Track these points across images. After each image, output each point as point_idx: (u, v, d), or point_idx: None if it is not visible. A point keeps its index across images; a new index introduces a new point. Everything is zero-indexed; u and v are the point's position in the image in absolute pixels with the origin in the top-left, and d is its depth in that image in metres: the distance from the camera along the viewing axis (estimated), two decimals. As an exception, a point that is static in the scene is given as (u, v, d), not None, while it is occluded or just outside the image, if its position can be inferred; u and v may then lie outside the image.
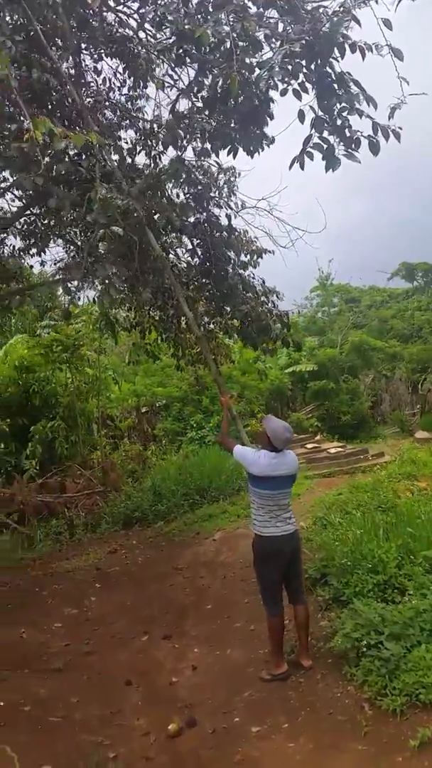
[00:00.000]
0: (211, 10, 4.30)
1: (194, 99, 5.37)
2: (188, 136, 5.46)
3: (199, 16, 4.50)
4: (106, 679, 5.29)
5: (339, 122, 4.26)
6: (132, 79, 7.15)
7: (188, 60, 4.88)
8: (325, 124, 4.26)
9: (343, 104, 4.19)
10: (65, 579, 8.43)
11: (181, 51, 4.71)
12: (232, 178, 7.06)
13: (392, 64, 3.71)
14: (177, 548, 9.38)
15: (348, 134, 4.27)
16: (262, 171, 6.90)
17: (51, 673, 5.44)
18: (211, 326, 10.31)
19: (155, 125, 7.13)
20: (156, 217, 7.01)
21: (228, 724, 4.25)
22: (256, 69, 4.18)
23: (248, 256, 7.47)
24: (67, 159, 4.88)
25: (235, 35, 3.97)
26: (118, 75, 7.44)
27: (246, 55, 4.14)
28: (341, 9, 3.78)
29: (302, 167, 4.46)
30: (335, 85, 4.14)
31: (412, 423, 21.00)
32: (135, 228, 5.64)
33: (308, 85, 4.19)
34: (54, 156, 4.46)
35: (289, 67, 3.91)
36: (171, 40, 4.76)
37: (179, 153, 5.50)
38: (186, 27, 4.38)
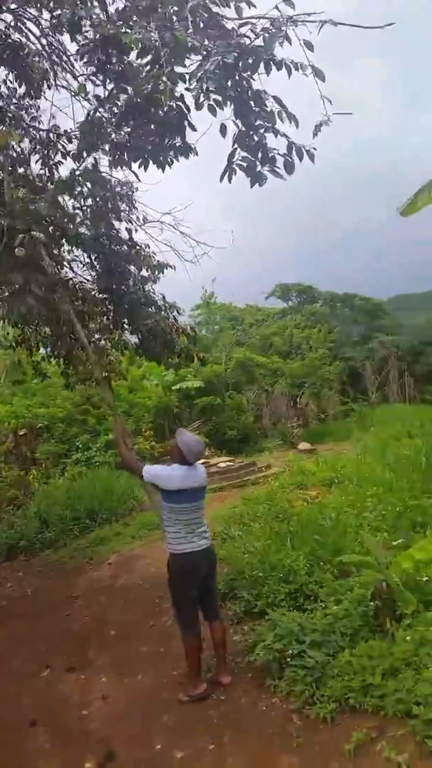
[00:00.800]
0: (134, 18, 4.15)
1: (110, 107, 5.15)
2: (101, 145, 5.21)
3: (121, 23, 4.34)
4: (8, 721, 4.79)
5: (256, 139, 4.28)
6: (25, 87, 6.79)
7: (108, 66, 4.66)
8: (246, 140, 4.25)
9: (259, 122, 4.21)
10: None
11: (102, 56, 4.51)
12: (130, 192, 6.88)
13: (315, 85, 3.78)
14: (70, 576, 8.85)
15: (262, 153, 4.29)
16: (169, 184, 6.81)
17: None
18: (102, 342, 10.04)
19: (52, 134, 6.82)
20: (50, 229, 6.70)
21: (149, 753, 3.99)
22: (185, 78, 4.08)
23: (149, 271, 7.32)
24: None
25: (161, 43, 3.85)
26: (8, 83, 7.04)
27: (176, 64, 4.03)
28: (271, 27, 3.79)
29: (230, 180, 4.44)
30: (252, 103, 4.15)
31: (294, 435, 21.79)
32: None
33: (222, 100, 4.15)
34: None
35: (211, 81, 3.85)
36: (90, 45, 4.53)
37: (93, 160, 5.25)
38: (110, 32, 4.21)
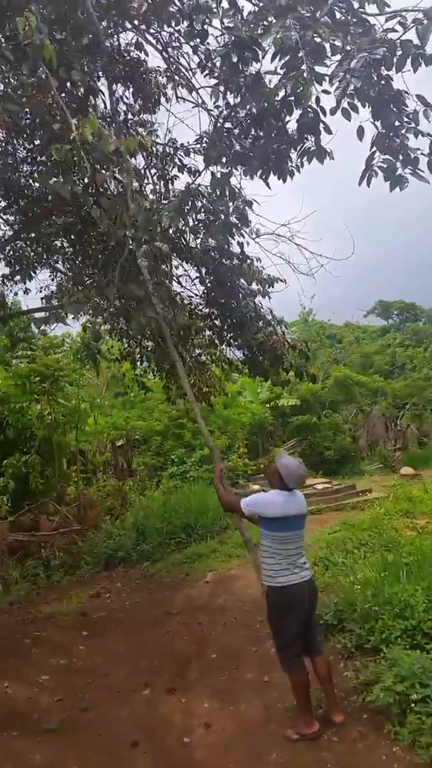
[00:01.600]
0: (270, 19, 4.05)
1: (235, 117, 5.09)
2: (227, 156, 5.15)
3: (253, 25, 4.26)
4: (109, 740, 4.70)
5: (397, 141, 4.02)
6: (141, 102, 6.92)
7: (239, 73, 4.60)
8: (386, 142, 4.01)
9: (399, 123, 3.95)
10: (48, 625, 7.73)
11: (236, 60, 4.44)
12: (244, 205, 6.79)
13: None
14: (167, 591, 8.79)
15: (404, 154, 4.02)
16: (284, 196, 6.67)
17: (44, 734, 4.83)
18: (203, 358, 10.02)
19: (169, 148, 6.90)
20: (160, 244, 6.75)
21: (259, 794, 3.74)
22: (324, 79, 3.91)
23: (259, 285, 7.18)
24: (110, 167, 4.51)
25: (301, 43, 3.70)
26: (125, 98, 7.21)
27: (316, 64, 3.87)
28: (424, 18, 3.55)
29: (368, 184, 4.21)
30: (392, 104, 3.91)
31: (395, 459, 20.85)
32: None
33: (358, 104, 3.94)
34: (96, 162, 4.10)
35: (355, 79, 3.66)
36: (222, 50, 4.49)
37: (222, 170, 5.19)
38: (246, 34, 4.13)
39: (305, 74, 3.66)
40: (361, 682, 4.59)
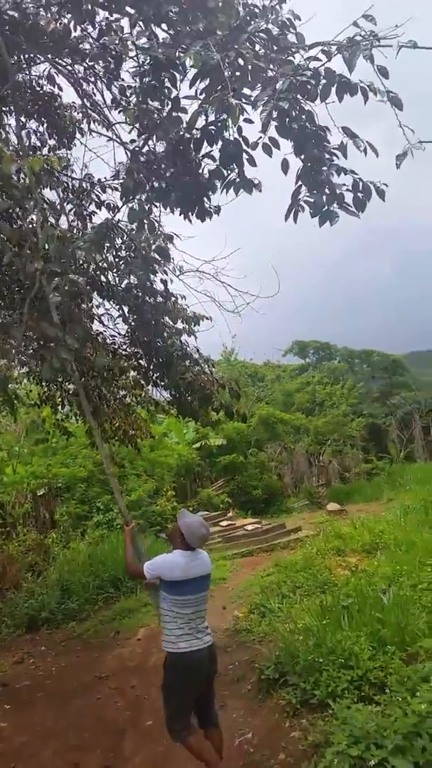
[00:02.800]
0: (188, 41, 3.95)
1: (152, 151, 4.96)
2: (143, 192, 4.97)
3: (171, 49, 4.15)
4: None
5: (322, 176, 4.00)
6: (56, 138, 6.73)
7: (158, 95, 4.46)
8: (311, 177, 3.97)
9: (322, 157, 3.93)
10: (-35, 701, 6.99)
11: (152, 82, 4.32)
12: (164, 242, 6.65)
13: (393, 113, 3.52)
14: (96, 652, 8.21)
15: (329, 190, 4.00)
16: (204, 231, 6.59)
17: None
18: (128, 400, 9.71)
19: (86, 184, 6.69)
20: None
21: None
22: (246, 111, 3.83)
23: (184, 323, 7.01)
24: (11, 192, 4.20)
25: (225, 64, 3.63)
26: (38, 133, 7.00)
27: (244, 85, 3.80)
28: (348, 46, 3.55)
29: (295, 220, 4.13)
30: (313, 139, 3.89)
31: (320, 495, 21.06)
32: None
33: (280, 139, 3.90)
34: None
35: (282, 102, 3.59)
36: (139, 71, 4.34)
37: (139, 201, 4.97)
38: (162, 55, 4.02)
39: (230, 97, 3.59)
40: (309, 744, 4.31)
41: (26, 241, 4.95)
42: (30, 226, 5.13)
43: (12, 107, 6.16)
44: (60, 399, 9.60)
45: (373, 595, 6.13)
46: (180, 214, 5.20)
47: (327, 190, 3.99)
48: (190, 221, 5.10)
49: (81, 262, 6.13)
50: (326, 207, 3.99)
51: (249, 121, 3.92)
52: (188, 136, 4.42)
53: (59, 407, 9.73)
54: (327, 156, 3.96)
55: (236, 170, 4.21)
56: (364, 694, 4.64)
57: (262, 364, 37.12)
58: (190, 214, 5.20)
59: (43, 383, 9.51)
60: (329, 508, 17.66)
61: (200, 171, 4.73)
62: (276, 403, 27.05)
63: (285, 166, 4.02)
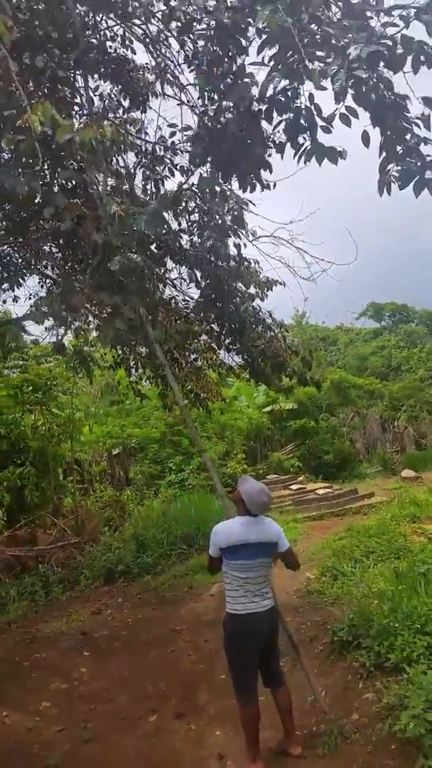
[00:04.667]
0: (257, 6, 3.73)
1: (221, 115, 4.80)
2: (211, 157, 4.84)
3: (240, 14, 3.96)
4: (116, 776, 4.39)
5: (403, 147, 3.72)
6: (129, 100, 6.65)
7: (224, 62, 4.29)
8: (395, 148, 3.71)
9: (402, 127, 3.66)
10: (47, 646, 7.42)
11: (217, 49, 4.16)
12: (238, 207, 6.49)
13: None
14: (170, 606, 8.47)
15: (418, 158, 3.72)
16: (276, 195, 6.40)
17: (46, 771, 4.51)
18: (199, 363, 9.75)
19: (159, 147, 6.63)
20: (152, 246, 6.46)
21: None
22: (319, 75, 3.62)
23: (257, 288, 6.89)
24: (72, 164, 4.21)
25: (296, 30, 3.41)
26: (113, 96, 6.94)
27: (315, 48, 3.59)
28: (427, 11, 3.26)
29: (389, 192, 3.92)
30: (393, 110, 3.62)
31: (394, 461, 20.63)
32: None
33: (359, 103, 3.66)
34: (56, 160, 3.78)
35: (352, 80, 3.37)
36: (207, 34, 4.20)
37: (206, 171, 4.88)
38: (227, 19, 3.85)
39: (304, 62, 3.37)
40: (384, 706, 4.29)
41: (88, 211, 4.96)
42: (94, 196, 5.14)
43: (83, 70, 6.13)
44: (134, 362, 9.77)
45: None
46: (240, 187, 5.06)
47: (416, 158, 3.70)
48: (251, 190, 4.96)
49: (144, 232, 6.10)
50: (417, 176, 3.70)
51: (322, 87, 3.69)
52: (256, 106, 4.22)
53: (133, 370, 9.91)
54: (407, 126, 3.68)
55: (310, 137, 3.99)
56: (441, 661, 4.55)
57: (335, 328, 36.35)
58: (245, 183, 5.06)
59: (118, 347, 9.69)
60: (404, 475, 17.29)
61: (266, 140, 4.55)
62: (349, 368, 26.52)
63: (365, 138, 3.76)
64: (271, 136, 4.78)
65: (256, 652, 4.19)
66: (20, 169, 4.16)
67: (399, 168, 3.80)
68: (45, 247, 8.93)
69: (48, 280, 9.78)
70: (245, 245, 6.84)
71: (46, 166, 4.01)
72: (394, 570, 6.31)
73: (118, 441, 16.77)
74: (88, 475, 16.23)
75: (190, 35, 5.17)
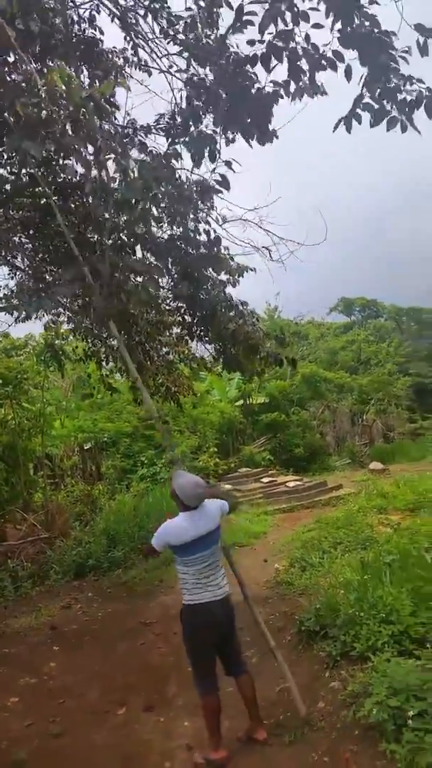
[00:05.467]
0: None
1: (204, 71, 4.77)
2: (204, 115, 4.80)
3: None
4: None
5: (391, 84, 3.76)
6: (97, 84, 6.55)
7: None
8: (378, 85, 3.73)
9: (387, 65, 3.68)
10: (16, 641, 7.36)
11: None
12: (209, 190, 6.46)
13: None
14: (141, 599, 8.49)
15: (394, 97, 3.76)
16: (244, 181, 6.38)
17: (12, 767, 4.49)
18: (171, 357, 9.73)
19: (129, 130, 6.55)
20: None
21: None
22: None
23: (228, 275, 6.89)
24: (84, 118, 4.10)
25: None
26: (81, 79, 6.83)
27: None
28: None
29: (348, 130, 3.95)
30: (379, 45, 3.64)
31: (363, 454, 20.93)
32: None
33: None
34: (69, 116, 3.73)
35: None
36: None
37: (197, 130, 4.84)
38: None
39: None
40: (349, 694, 4.37)
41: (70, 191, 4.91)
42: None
43: (58, 50, 6.04)
44: (105, 355, 9.71)
45: (416, 552, 6.08)
46: (243, 136, 5.05)
47: (393, 97, 3.75)
48: (250, 146, 4.95)
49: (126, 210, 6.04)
50: (392, 114, 3.74)
51: (318, 26, 3.69)
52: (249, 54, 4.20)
53: (104, 363, 9.85)
54: (393, 65, 3.71)
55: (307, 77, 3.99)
56: (404, 648, 4.64)
57: (306, 323, 36.64)
58: (251, 137, 5.05)
59: (89, 339, 9.62)
60: (372, 467, 17.57)
61: (261, 91, 4.55)
62: (320, 362, 26.77)
63: (348, 72, 3.79)
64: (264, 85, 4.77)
65: (214, 642, 4.24)
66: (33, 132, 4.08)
67: (372, 102, 3.84)
68: (15, 237, 8.80)
69: (18, 272, 9.65)
70: (215, 231, 6.82)
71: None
72: (360, 560, 6.41)
73: (90, 435, 16.65)
74: (59, 469, 16.10)
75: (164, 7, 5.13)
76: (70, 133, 4.18)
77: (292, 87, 4.36)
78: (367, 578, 5.59)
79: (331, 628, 5.34)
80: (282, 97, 4.55)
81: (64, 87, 3.38)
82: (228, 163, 5.99)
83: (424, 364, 31.55)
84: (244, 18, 4.31)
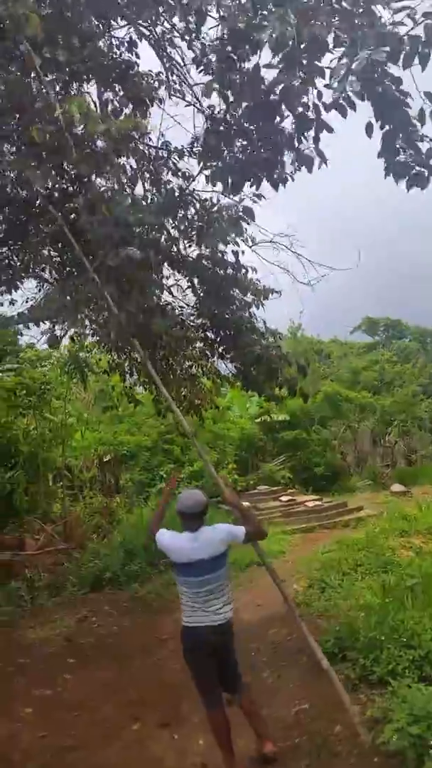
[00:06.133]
0: (270, 7, 3.78)
1: (230, 116, 4.86)
2: (225, 156, 4.89)
3: (251, 15, 4.01)
4: (96, 784, 4.36)
5: (403, 140, 3.79)
6: (132, 107, 6.69)
7: (239, 63, 4.36)
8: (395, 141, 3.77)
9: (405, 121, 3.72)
10: (32, 652, 7.34)
11: (231, 53, 4.22)
12: (239, 213, 6.54)
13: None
14: (157, 615, 8.43)
15: (416, 153, 3.78)
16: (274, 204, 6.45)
17: (26, 778, 4.47)
18: (193, 370, 9.76)
19: (163, 152, 6.67)
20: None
21: None
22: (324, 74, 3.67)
23: (253, 296, 6.94)
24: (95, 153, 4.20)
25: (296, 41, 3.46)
26: (115, 102, 6.97)
27: (316, 58, 3.64)
28: None
29: (386, 175, 3.99)
30: (395, 104, 3.68)
31: (384, 476, 20.68)
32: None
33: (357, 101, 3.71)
34: (80, 148, 3.83)
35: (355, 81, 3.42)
36: (215, 43, 4.27)
37: (217, 164, 4.93)
38: (240, 24, 3.91)
39: (303, 70, 3.44)
40: (368, 719, 4.29)
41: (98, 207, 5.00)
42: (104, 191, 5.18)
43: (91, 75, 6.17)
44: (128, 367, 9.78)
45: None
46: (252, 185, 5.12)
47: (415, 148, 3.77)
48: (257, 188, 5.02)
49: (149, 230, 6.13)
50: (414, 171, 3.78)
51: (329, 86, 3.73)
52: (265, 99, 4.27)
53: (127, 375, 9.91)
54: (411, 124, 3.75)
55: (313, 137, 4.06)
56: (425, 674, 4.58)
57: (329, 341, 36.57)
58: (263, 183, 5.12)
59: (113, 352, 9.71)
60: (393, 489, 17.35)
61: (277, 137, 4.61)
62: (342, 381, 26.61)
63: (369, 129, 3.82)
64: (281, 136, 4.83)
65: (210, 662, 4.20)
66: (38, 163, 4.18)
67: (395, 159, 3.86)
68: (44, 250, 8.96)
69: (45, 284, 9.81)
70: (243, 252, 6.88)
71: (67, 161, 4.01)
72: (381, 583, 6.33)
73: (110, 448, 16.73)
74: (78, 481, 16.17)
75: (199, 32, 5.23)
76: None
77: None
78: (389, 601, 5.52)
79: (351, 651, 5.26)
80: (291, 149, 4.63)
81: (79, 116, 3.44)
82: (248, 212, 6.07)
83: (448, 387, 31.22)
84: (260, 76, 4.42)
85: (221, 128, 4.92)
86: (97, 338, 9.68)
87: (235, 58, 4.28)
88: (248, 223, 6.25)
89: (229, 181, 5.20)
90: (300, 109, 4.04)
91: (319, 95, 3.91)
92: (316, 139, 4.11)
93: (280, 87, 3.91)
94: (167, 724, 5.17)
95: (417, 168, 3.83)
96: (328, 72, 3.70)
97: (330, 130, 4.08)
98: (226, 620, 4.19)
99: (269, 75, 4.20)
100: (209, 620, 4.11)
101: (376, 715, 4.24)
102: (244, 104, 4.57)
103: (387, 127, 3.77)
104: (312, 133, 4.14)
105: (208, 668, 4.20)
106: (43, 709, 5.73)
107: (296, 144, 4.34)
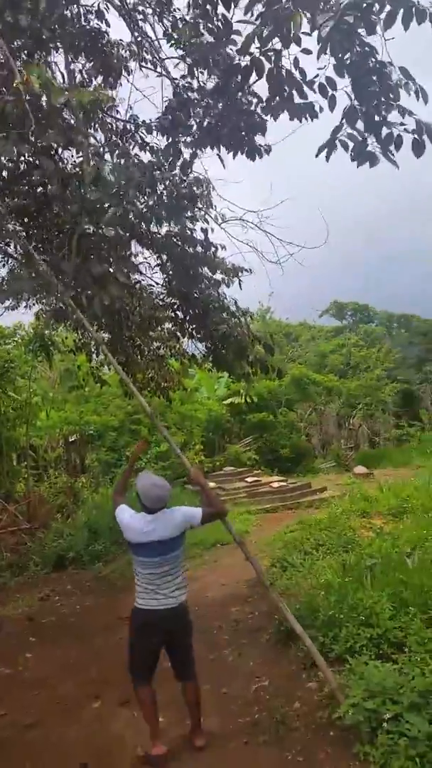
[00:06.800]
0: None
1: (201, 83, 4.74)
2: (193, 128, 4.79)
3: None
4: (56, 761, 4.35)
5: (376, 118, 3.74)
6: (102, 76, 6.49)
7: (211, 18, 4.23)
8: (359, 116, 3.72)
9: (381, 99, 3.67)
10: (-7, 631, 7.30)
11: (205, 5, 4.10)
12: (206, 190, 6.44)
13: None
14: (120, 594, 8.42)
15: (386, 131, 3.75)
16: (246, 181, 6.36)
17: (-17, 756, 4.44)
18: (162, 351, 9.68)
19: (131, 125, 6.50)
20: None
21: None
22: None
23: (223, 275, 6.86)
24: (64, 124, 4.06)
25: None
26: (83, 72, 6.77)
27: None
28: None
29: (327, 158, 3.93)
30: (374, 75, 3.62)
31: (348, 458, 21.01)
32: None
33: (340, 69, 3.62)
34: (47, 119, 3.68)
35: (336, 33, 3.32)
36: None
37: (173, 141, 4.82)
38: None
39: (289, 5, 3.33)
40: (325, 695, 4.38)
41: (69, 180, 4.88)
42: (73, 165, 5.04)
43: (59, 43, 5.95)
44: (95, 347, 9.63)
45: (397, 557, 6.10)
46: (228, 152, 5.04)
47: (376, 131, 3.73)
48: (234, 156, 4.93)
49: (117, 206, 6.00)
50: (369, 147, 3.74)
51: (307, 51, 3.65)
52: (237, 63, 4.18)
53: (93, 355, 9.78)
54: (387, 97, 3.69)
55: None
56: (382, 652, 4.66)
57: (298, 324, 36.75)
58: (239, 152, 5.05)
59: (79, 330, 9.54)
60: (356, 471, 17.64)
61: (250, 107, 4.52)
62: (309, 364, 26.86)
63: (332, 101, 3.77)
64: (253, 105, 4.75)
65: (155, 646, 4.18)
66: (5, 133, 4.02)
67: (349, 138, 3.82)
68: (9, 225, 8.71)
69: (11, 260, 9.55)
70: (212, 230, 6.78)
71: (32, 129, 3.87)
72: (341, 563, 6.42)
73: (76, 428, 16.57)
74: (42, 461, 16.01)
75: (170, 3, 5.09)
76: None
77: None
78: (348, 581, 5.60)
79: (310, 629, 5.31)
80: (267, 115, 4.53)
81: (38, 87, 3.29)
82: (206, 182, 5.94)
83: (413, 371, 31.75)
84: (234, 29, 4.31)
85: (188, 99, 4.79)
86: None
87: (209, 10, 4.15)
88: (210, 207, 6.14)
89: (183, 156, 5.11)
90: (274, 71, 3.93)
91: (296, 61, 3.82)
92: (290, 97, 4.00)
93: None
94: (127, 702, 5.15)
95: (384, 149, 3.77)
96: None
97: (309, 87, 3.95)
98: (178, 603, 4.16)
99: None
100: (162, 603, 4.08)
101: (333, 692, 4.31)
102: (211, 72, 4.46)
103: (357, 104, 3.71)
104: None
105: (150, 650, 4.18)
106: (3, 688, 5.71)
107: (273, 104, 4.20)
